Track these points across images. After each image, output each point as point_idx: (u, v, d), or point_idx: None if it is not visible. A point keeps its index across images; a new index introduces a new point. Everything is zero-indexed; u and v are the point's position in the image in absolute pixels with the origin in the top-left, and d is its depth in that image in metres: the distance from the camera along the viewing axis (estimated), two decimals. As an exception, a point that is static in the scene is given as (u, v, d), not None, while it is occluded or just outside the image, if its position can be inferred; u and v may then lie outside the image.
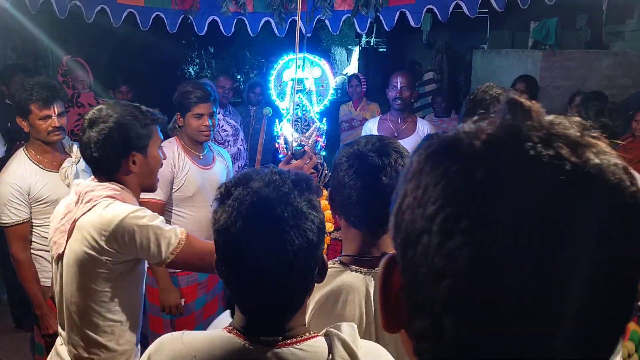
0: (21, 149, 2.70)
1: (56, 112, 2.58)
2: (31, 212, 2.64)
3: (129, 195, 1.81)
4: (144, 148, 1.83)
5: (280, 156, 2.92)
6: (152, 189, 1.96)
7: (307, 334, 1.07)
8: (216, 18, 3.67)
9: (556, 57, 5.69)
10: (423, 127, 3.82)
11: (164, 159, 2.00)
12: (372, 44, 14.84)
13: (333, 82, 3.11)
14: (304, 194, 1.02)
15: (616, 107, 2.41)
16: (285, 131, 2.87)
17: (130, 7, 3.61)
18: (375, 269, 1.34)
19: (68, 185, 2.65)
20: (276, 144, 2.94)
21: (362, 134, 4.02)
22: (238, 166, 4.27)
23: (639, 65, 5.30)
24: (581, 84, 5.29)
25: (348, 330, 1.07)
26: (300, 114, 2.91)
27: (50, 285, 2.54)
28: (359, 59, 15.54)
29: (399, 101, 3.76)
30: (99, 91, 4.39)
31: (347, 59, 17.74)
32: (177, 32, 3.77)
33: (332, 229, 2.76)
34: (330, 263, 1.39)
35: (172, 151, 2.85)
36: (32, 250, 2.68)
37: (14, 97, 2.65)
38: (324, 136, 2.91)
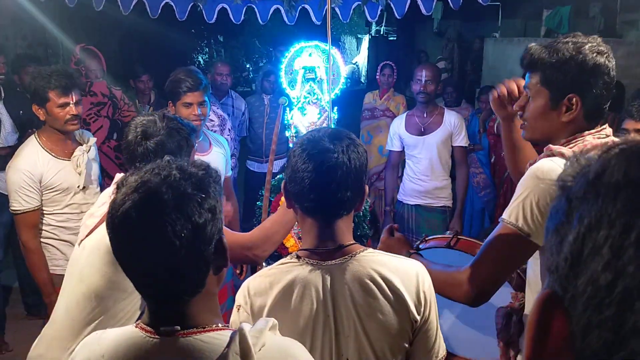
0: (33, 136, 2.70)
1: (74, 100, 2.60)
2: (42, 200, 2.65)
3: None
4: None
5: (290, 145, 2.92)
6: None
7: (216, 325, 1.06)
8: (225, 6, 3.65)
9: (569, 45, 5.61)
10: (450, 119, 3.82)
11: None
12: (382, 33, 14.76)
13: (344, 70, 3.09)
14: (191, 178, 1.03)
15: None
16: (296, 120, 2.86)
17: (140, -5, 3.60)
18: (332, 261, 1.36)
19: (79, 174, 2.68)
20: (287, 132, 2.93)
21: (390, 130, 4.04)
22: None
23: (654, 54, 5.22)
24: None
25: (258, 325, 1.06)
26: (311, 102, 2.90)
27: (59, 273, 2.59)
28: (368, 48, 15.46)
29: (423, 95, 3.76)
30: (110, 80, 4.39)
31: (357, 47, 17.65)
32: (186, 21, 3.75)
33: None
34: (287, 258, 1.41)
35: None
36: (41, 239, 2.70)
37: (29, 85, 2.63)
38: (334, 125, 2.90)
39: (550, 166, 1.48)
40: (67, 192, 2.68)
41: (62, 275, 2.62)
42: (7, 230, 3.82)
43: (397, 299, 1.34)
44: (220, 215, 1.07)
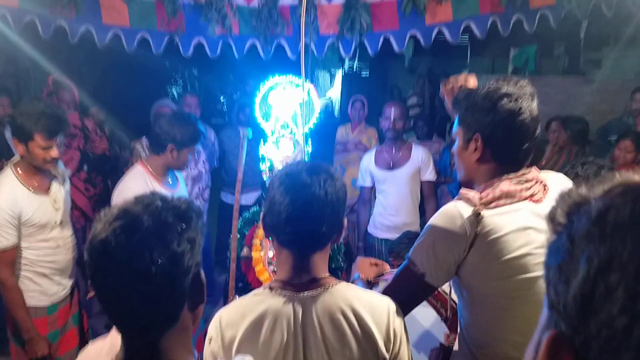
0: (9, 168, 2.64)
1: (57, 143, 2.59)
2: (19, 236, 2.61)
3: None
4: None
5: (266, 178, 2.93)
6: None
7: None
8: (202, 40, 3.69)
9: (535, 83, 5.78)
10: (418, 154, 3.90)
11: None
12: (354, 69, 15.03)
13: (318, 104, 3.13)
14: (174, 209, 1.03)
15: (611, 167, 2.50)
16: (270, 154, 2.88)
17: (115, 27, 3.61)
18: (304, 293, 1.36)
19: (57, 210, 2.69)
20: (261, 165, 2.94)
21: (361, 167, 4.10)
22: (200, 188, 4.24)
23: (616, 92, 5.42)
24: (560, 110, 5.39)
25: None
26: (286, 136, 2.92)
27: (33, 305, 2.61)
28: (342, 83, 15.70)
29: (392, 132, 3.86)
30: (83, 111, 4.36)
31: (330, 82, 17.90)
32: (161, 53, 3.77)
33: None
34: (260, 289, 1.42)
35: (145, 182, 2.84)
36: (21, 272, 2.66)
37: (15, 118, 2.57)
38: (308, 158, 2.92)
39: (452, 211, 1.56)
40: (44, 228, 2.67)
41: (36, 307, 2.66)
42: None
43: (366, 336, 1.35)
44: (199, 249, 1.06)
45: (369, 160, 4.03)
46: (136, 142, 3.96)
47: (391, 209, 3.88)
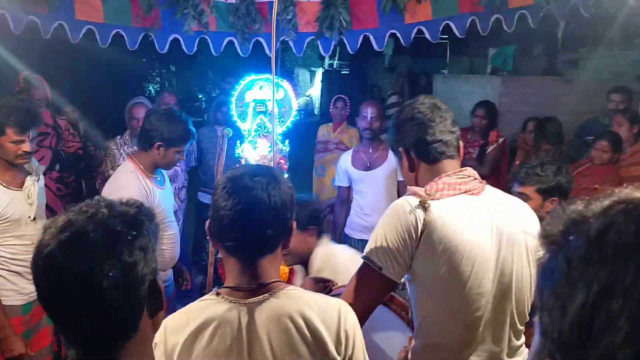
0: None
1: (29, 138, 2.58)
2: None
3: None
4: None
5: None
6: None
7: None
8: (178, 37, 3.62)
9: (514, 83, 5.84)
10: (394, 154, 3.85)
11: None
12: (335, 67, 15.04)
13: (296, 103, 3.10)
14: (121, 216, 0.98)
15: (567, 167, 2.57)
16: (247, 153, 2.84)
17: (89, 23, 3.52)
18: (251, 299, 1.33)
19: (31, 204, 2.66)
20: (237, 165, 2.90)
21: (337, 169, 4.08)
22: (176, 187, 4.17)
23: (594, 92, 5.47)
24: (539, 110, 5.43)
25: None
26: (262, 135, 2.88)
27: (8, 304, 2.57)
28: (322, 81, 15.69)
29: (369, 132, 3.83)
30: (56, 109, 4.25)
31: (310, 80, 17.88)
32: (137, 49, 3.69)
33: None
34: (207, 295, 1.39)
35: (138, 180, 2.79)
36: None
37: None
38: (287, 158, 2.89)
39: (401, 203, 1.68)
40: (18, 223, 2.63)
41: (11, 307, 2.61)
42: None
43: (316, 339, 1.32)
44: (154, 254, 1.02)
45: (345, 160, 4.01)
46: (110, 141, 3.87)
47: (367, 209, 3.87)
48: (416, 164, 1.80)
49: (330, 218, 5.06)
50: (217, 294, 1.36)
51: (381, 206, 3.80)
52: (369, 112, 3.82)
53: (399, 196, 3.94)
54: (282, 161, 2.87)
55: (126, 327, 0.97)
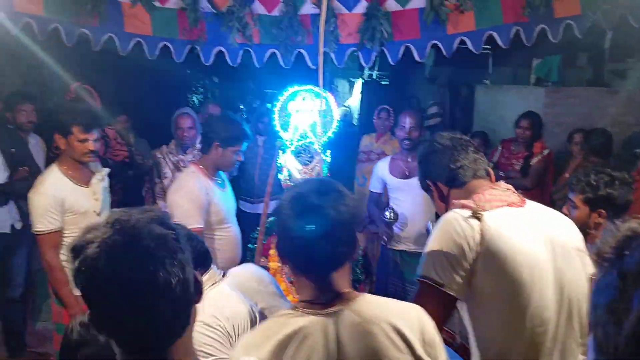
0: (53, 165, 2.94)
1: (93, 137, 2.86)
2: (62, 222, 2.86)
3: None
4: None
5: (284, 188, 2.91)
6: None
7: None
8: (223, 49, 3.70)
9: (559, 93, 5.72)
10: None
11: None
12: (374, 77, 15.01)
13: (338, 114, 3.12)
14: (163, 225, 0.99)
15: (628, 180, 2.35)
16: (289, 163, 2.87)
17: (138, 36, 3.65)
18: (330, 309, 1.31)
19: (96, 200, 2.96)
20: (279, 175, 2.94)
21: (373, 174, 4.05)
22: None
23: (642, 104, 5.33)
24: (584, 121, 5.30)
25: None
26: (304, 146, 2.91)
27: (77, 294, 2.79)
28: (361, 92, 15.68)
29: (408, 141, 3.80)
30: (105, 118, 4.39)
31: (349, 91, 17.89)
32: (182, 61, 3.79)
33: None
34: (285, 310, 1.38)
35: (198, 179, 2.93)
36: (64, 262, 2.87)
37: (55, 115, 2.90)
38: (326, 168, 2.91)
39: (453, 216, 1.65)
40: (84, 216, 2.89)
41: (77, 296, 2.81)
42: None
43: (405, 343, 1.31)
44: (190, 265, 1.03)
45: (382, 167, 3.97)
46: (157, 150, 3.98)
47: (405, 218, 3.83)
48: (446, 193, 1.82)
49: (371, 228, 5.05)
50: (294, 308, 1.35)
51: (419, 216, 3.76)
52: (407, 122, 3.79)
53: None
54: (322, 171, 2.90)
55: (178, 327, 0.99)
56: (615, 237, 0.53)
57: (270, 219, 3.13)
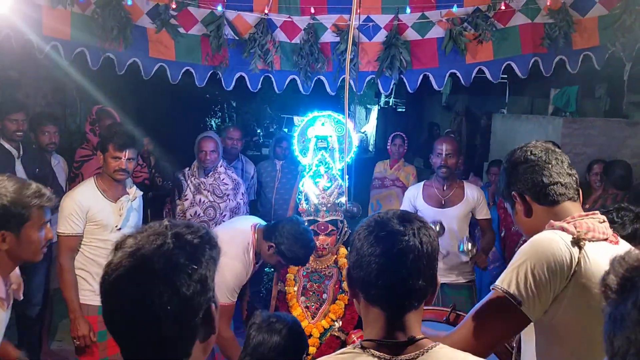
0: (92, 177, 3.15)
1: (126, 157, 3.00)
2: (84, 230, 2.99)
3: None
4: (16, 229, 1.92)
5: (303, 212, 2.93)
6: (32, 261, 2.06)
7: None
8: (244, 74, 3.77)
9: (577, 124, 5.70)
10: (472, 193, 3.66)
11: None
12: (390, 104, 15.13)
13: (356, 139, 3.15)
14: (185, 246, 1.02)
15: None
16: (307, 188, 2.89)
17: (161, 61, 3.73)
18: (403, 356, 1.19)
19: (120, 216, 3.07)
20: (297, 200, 2.95)
21: (404, 200, 3.85)
22: None
23: (661, 136, 5.29)
24: (602, 152, 5.27)
25: None
26: (323, 172, 2.93)
27: (87, 303, 2.96)
28: (377, 118, 15.79)
29: (444, 169, 3.59)
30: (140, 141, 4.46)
31: (366, 117, 18.01)
32: (202, 85, 3.86)
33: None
34: (349, 347, 1.27)
35: (248, 257, 2.85)
36: (78, 270, 3.01)
37: (101, 134, 3.16)
38: (344, 193, 2.92)
39: (550, 236, 1.52)
40: (105, 229, 3.01)
41: (89, 305, 2.95)
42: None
43: None
44: (212, 283, 1.05)
45: (414, 194, 3.77)
46: (179, 172, 4.03)
47: (442, 248, 3.61)
48: (533, 209, 1.68)
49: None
50: (362, 347, 1.23)
51: (454, 246, 3.58)
52: (444, 148, 3.58)
53: (471, 235, 3.78)
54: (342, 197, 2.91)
55: (179, 353, 1.02)
56: (622, 268, 0.53)
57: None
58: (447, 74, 3.80)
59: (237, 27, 3.75)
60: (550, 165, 1.65)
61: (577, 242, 1.50)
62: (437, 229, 3.36)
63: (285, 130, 16.17)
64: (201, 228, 1.08)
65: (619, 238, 1.60)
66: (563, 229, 1.53)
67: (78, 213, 2.95)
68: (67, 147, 5.03)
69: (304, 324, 2.82)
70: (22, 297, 2.16)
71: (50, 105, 5.62)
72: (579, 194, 1.68)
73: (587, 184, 4.88)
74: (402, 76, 3.78)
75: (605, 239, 1.55)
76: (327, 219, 2.86)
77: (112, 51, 3.68)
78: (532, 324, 1.53)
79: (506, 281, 1.50)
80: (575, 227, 1.54)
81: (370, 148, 15.84)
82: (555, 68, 3.73)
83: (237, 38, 3.73)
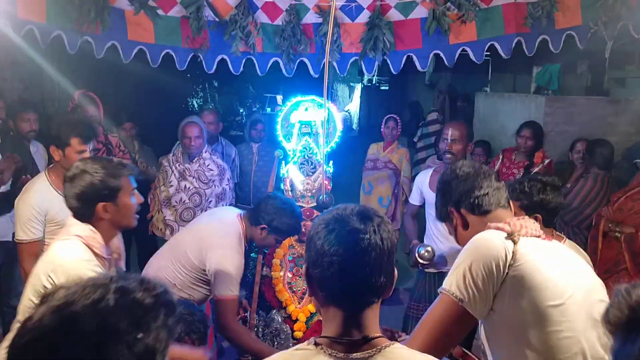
0: (43, 173, 2.95)
1: (89, 149, 2.90)
2: (44, 232, 2.85)
3: (97, 238, 2.11)
4: (114, 198, 2.13)
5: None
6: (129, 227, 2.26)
7: None
8: (225, 57, 3.71)
9: (559, 102, 5.74)
10: None
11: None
12: (374, 82, 15.06)
13: (340, 124, 3.12)
14: (132, 307, 0.84)
15: (557, 185, 2.60)
16: (292, 174, 2.87)
17: (141, 44, 3.65)
18: (355, 354, 1.19)
19: None
20: (281, 186, 2.94)
21: (414, 186, 3.86)
22: (222, 205, 4.24)
23: (642, 113, 5.35)
24: (584, 131, 5.32)
25: None
26: (307, 157, 2.91)
27: None
28: (361, 96, 15.74)
29: (449, 155, 3.52)
30: (108, 126, 4.39)
31: (349, 96, 17.94)
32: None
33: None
34: (304, 344, 1.26)
35: (241, 247, 2.82)
36: None
37: (53, 128, 2.93)
38: (330, 179, 2.91)
39: (486, 235, 1.66)
40: None
41: None
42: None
43: None
44: (166, 349, 0.87)
45: (423, 180, 3.76)
46: (163, 158, 3.99)
47: (442, 236, 3.62)
48: (469, 220, 1.81)
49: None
50: (316, 343, 1.22)
51: (453, 240, 3.63)
52: (449, 133, 3.52)
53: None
54: (326, 182, 2.90)
55: None
56: (627, 304, 0.53)
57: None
58: (431, 55, 3.78)
59: (218, 8, 3.66)
60: (479, 178, 1.80)
61: (510, 237, 1.61)
62: (426, 254, 3.31)
63: (268, 109, 16.11)
64: (159, 286, 0.91)
65: (551, 237, 1.75)
66: (498, 229, 1.66)
67: (36, 217, 2.82)
68: (46, 132, 4.94)
69: (290, 308, 2.83)
70: (123, 268, 2.34)
71: (29, 90, 5.50)
72: (509, 202, 1.84)
73: (569, 163, 4.93)
74: (385, 57, 3.75)
75: (538, 236, 1.68)
76: (313, 204, 2.85)
77: (89, 35, 3.58)
78: (498, 331, 1.63)
79: (448, 282, 1.61)
80: (510, 226, 1.66)
81: (354, 127, 15.81)
82: (537, 46, 3.73)
83: (217, 19, 3.65)
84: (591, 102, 5.79)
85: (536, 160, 4.62)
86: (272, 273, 2.88)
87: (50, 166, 2.99)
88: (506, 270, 1.56)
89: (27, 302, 2.09)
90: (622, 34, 3.60)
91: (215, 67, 3.75)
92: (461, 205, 1.81)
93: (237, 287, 2.70)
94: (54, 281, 1.96)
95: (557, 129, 5.53)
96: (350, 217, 1.23)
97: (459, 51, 3.73)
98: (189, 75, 10.38)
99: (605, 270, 3.91)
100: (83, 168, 2.09)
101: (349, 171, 5.37)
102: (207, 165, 3.87)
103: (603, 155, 4.41)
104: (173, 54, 3.70)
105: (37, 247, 2.84)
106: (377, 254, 1.19)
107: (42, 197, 2.83)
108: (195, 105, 12.09)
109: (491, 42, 3.70)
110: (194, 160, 3.84)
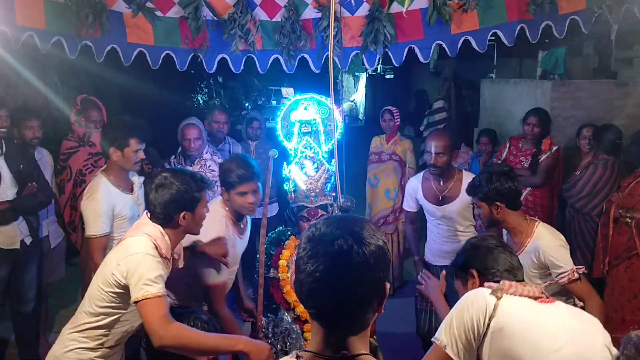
0: (100, 175, 3.21)
1: (143, 147, 3.20)
2: (112, 227, 3.12)
3: (165, 239, 2.30)
4: (193, 209, 2.35)
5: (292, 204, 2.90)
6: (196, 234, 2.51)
7: None
8: (225, 56, 3.69)
9: (565, 87, 5.66)
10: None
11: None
12: (379, 71, 14.97)
13: (341, 121, 3.09)
14: None
15: (506, 171, 2.78)
16: (294, 174, 2.85)
17: (140, 46, 3.64)
18: None
19: (139, 205, 3.24)
20: (285, 186, 2.92)
21: (406, 193, 3.93)
22: None
23: (651, 95, 5.26)
24: (592, 115, 5.25)
25: None
26: (308, 156, 2.89)
27: None
28: (365, 86, 15.65)
29: (434, 169, 3.56)
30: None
31: (354, 85, 17.86)
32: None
33: None
34: (287, 357, 1.26)
35: (226, 227, 2.83)
36: None
37: (111, 130, 3.22)
38: (332, 177, 2.89)
39: (475, 291, 1.88)
40: (131, 221, 3.10)
41: None
42: (4, 285, 3.76)
43: None
44: None
45: (415, 187, 3.79)
46: (165, 160, 3.99)
47: (444, 237, 3.71)
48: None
49: (385, 229, 5.05)
50: (297, 357, 1.21)
51: (459, 234, 3.65)
52: (432, 146, 3.50)
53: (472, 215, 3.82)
54: (328, 180, 2.88)
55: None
56: (637, 349, 0.51)
57: (278, 228, 3.13)
58: (433, 45, 3.73)
59: (216, 8, 3.64)
60: (495, 251, 2.06)
61: (495, 292, 1.80)
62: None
63: (274, 102, 16.06)
64: None
65: (555, 301, 1.87)
66: (489, 286, 1.86)
67: (106, 213, 3.07)
68: (52, 136, 4.95)
69: (299, 309, 2.82)
70: (181, 267, 2.56)
71: (33, 94, 5.50)
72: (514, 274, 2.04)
73: (577, 149, 4.87)
74: (387, 50, 3.71)
75: (535, 298, 1.82)
76: (317, 204, 2.84)
77: (89, 39, 3.58)
78: None
79: (439, 330, 1.84)
80: (500, 285, 1.85)
81: (360, 117, 15.75)
82: (542, 30, 3.67)
83: (216, 19, 3.62)
84: (597, 86, 5.71)
85: (544, 148, 4.57)
86: (279, 274, 2.88)
87: (103, 168, 3.26)
88: (487, 322, 1.74)
89: (95, 290, 2.26)
90: (627, 16, 3.54)
91: (215, 66, 3.73)
92: (481, 271, 2.09)
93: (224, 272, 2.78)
94: (121, 269, 2.16)
95: (564, 114, 5.47)
96: (333, 234, 1.18)
97: (461, 41, 3.68)
98: (192, 71, 10.37)
99: (617, 256, 3.88)
100: (171, 179, 2.28)
101: (356, 160, 5.35)
102: (209, 167, 3.87)
103: (610, 141, 4.35)
104: (173, 55, 3.69)
105: (106, 242, 3.10)
106: (360, 271, 1.15)
107: (108, 196, 3.10)
108: (201, 101, 12.09)
109: (494, 31, 3.65)
110: (195, 162, 3.85)
